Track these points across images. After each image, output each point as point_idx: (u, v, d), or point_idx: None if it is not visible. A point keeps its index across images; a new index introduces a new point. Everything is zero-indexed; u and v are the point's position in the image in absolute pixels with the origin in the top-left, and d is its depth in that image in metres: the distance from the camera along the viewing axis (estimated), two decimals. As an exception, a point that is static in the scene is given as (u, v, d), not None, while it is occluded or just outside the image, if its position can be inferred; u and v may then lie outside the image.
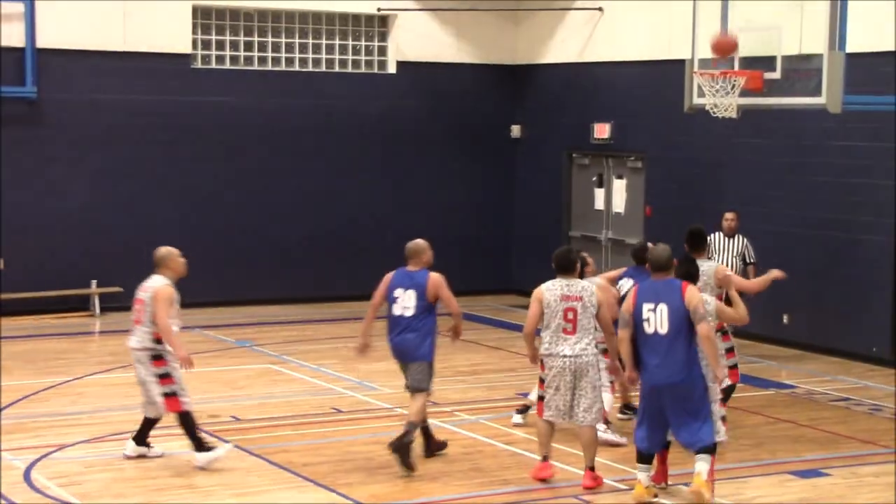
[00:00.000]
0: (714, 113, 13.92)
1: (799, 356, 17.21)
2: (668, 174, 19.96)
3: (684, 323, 10.18)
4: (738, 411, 13.82)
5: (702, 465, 10.15)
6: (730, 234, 16.25)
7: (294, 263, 21.43)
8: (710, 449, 10.23)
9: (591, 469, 10.87)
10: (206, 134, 20.80)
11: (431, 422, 12.10)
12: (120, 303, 19.37)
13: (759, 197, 18.25)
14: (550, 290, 10.89)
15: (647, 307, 10.28)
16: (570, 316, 10.73)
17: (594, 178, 21.65)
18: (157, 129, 20.43)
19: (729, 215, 16.38)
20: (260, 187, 21.25)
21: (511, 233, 22.76)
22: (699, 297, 10.32)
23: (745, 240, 16.29)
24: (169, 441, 11.88)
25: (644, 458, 10.43)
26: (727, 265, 15.07)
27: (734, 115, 13.83)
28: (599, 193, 21.53)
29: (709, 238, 14.03)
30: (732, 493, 10.77)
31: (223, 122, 20.88)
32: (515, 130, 22.83)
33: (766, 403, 14.43)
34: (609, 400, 12.34)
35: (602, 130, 21.15)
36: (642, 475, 10.39)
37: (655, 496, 10.40)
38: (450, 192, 22.48)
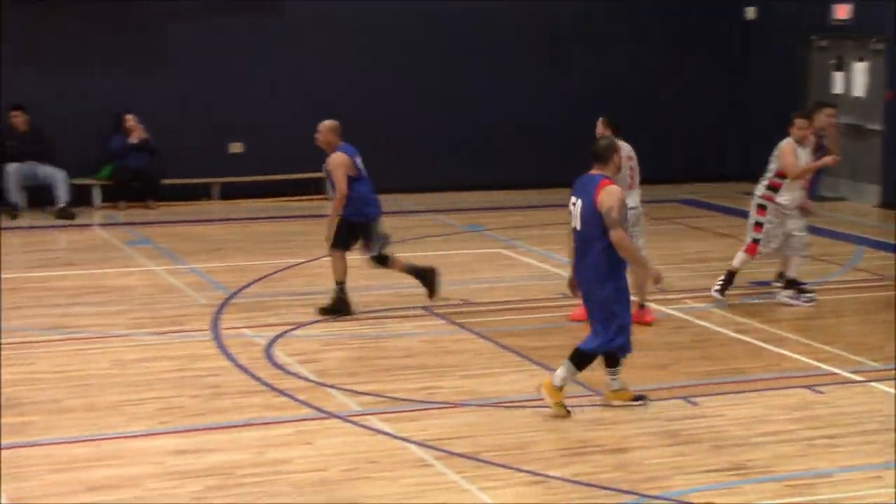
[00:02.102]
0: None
1: None
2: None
3: (597, 223, 9.33)
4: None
5: (559, 371, 9.65)
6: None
7: (522, 149, 21.42)
8: (577, 356, 9.61)
9: None
10: (445, 28, 20.88)
11: (660, 308, 12.03)
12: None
13: None
14: None
15: (571, 200, 9.65)
16: None
17: (833, 62, 20.92)
18: (397, 28, 20.63)
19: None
20: (497, 75, 21.27)
21: (746, 119, 22.21)
22: (612, 199, 9.27)
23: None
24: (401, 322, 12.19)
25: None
26: None
27: None
28: (838, 77, 20.80)
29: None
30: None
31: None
32: (750, 12, 22.16)
33: None
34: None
35: (842, 11, 20.37)
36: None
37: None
38: (680, 79, 22.08)
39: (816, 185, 14.97)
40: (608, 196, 9.31)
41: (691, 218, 19.10)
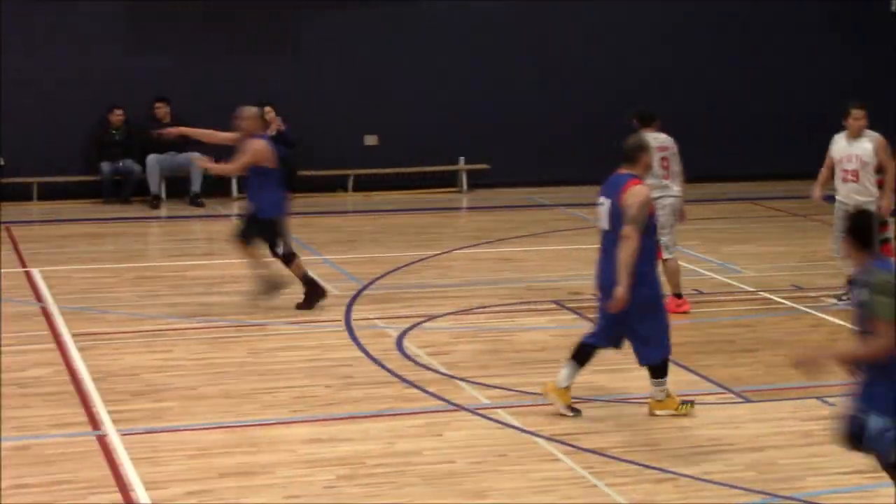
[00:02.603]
0: None
1: None
2: None
3: (623, 224, 9.07)
4: None
5: (563, 371, 9.47)
6: None
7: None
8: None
9: None
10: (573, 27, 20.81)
11: (797, 306, 11.83)
12: (488, 179, 19.93)
13: None
14: None
15: (599, 200, 9.36)
16: None
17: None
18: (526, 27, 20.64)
19: None
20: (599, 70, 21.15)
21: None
22: (635, 199, 9.06)
23: None
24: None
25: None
26: None
27: None
28: None
29: None
30: None
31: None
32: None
33: None
34: None
35: None
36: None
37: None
38: (827, 68, 21.65)
39: None
40: (632, 196, 9.10)
41: (831, 214, 18.69)
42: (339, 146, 19.96)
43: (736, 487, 8.12)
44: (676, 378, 10.43)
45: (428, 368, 10.71)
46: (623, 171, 9.36)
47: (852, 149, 12.72)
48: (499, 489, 8.11)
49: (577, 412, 9.46)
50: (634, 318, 9.19)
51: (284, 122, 19.14)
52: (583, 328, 11.98)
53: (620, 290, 9.00)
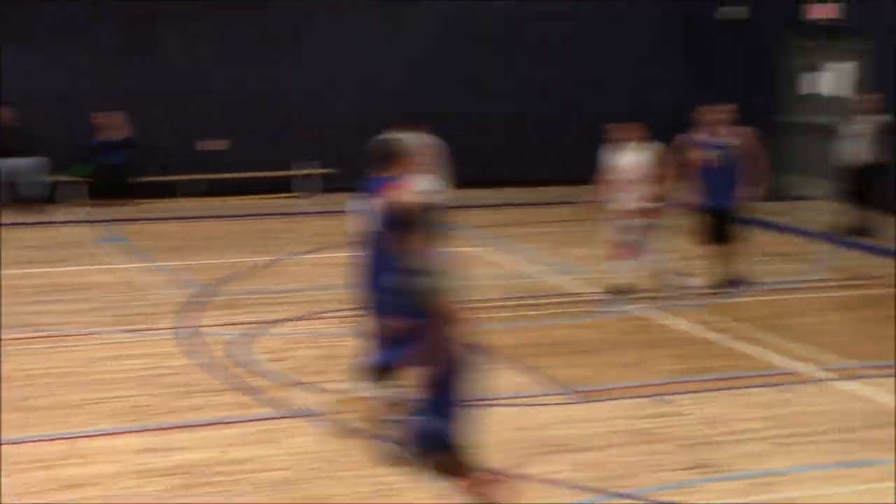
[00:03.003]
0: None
1: None
2: (882, 58, 19.16)
3: (386, 225, 8.69)
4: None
5: (361, 383, 9.17)
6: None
7: (501, 147, 21.43)
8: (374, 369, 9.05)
9: None
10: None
11: (630, 307, 12.00)
12: (329, 184, 19.88)
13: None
14: None
15: (358, 204, 9.10)
16: None
17: (806, 63, 20.94)
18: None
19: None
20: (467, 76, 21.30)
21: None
22: (403, 201, 8.55)
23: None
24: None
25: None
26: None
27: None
28: (811, 78, 20.82)
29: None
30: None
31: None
32: (726, 13, 22.17)
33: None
34: None
35: (821, 11, 20.38)
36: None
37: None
38: (656, 76, 22.11)
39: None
40: (396, 197, 8.65)
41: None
42: (177, 152, 19.76)
43: (572, 487, 8.18)
44: (513, 380, 10.53)
45: (265, 375, 10.59)
46: (379, 173, 8.98)
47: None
48: (334, 495, 8.06)
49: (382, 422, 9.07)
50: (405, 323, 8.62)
51: (127, 128, 18.83)
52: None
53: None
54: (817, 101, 20.71)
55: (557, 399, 10.07)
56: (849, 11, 19.95)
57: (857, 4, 19.78)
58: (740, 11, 22.05)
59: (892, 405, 9.85)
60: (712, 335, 12.06)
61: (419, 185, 9.06)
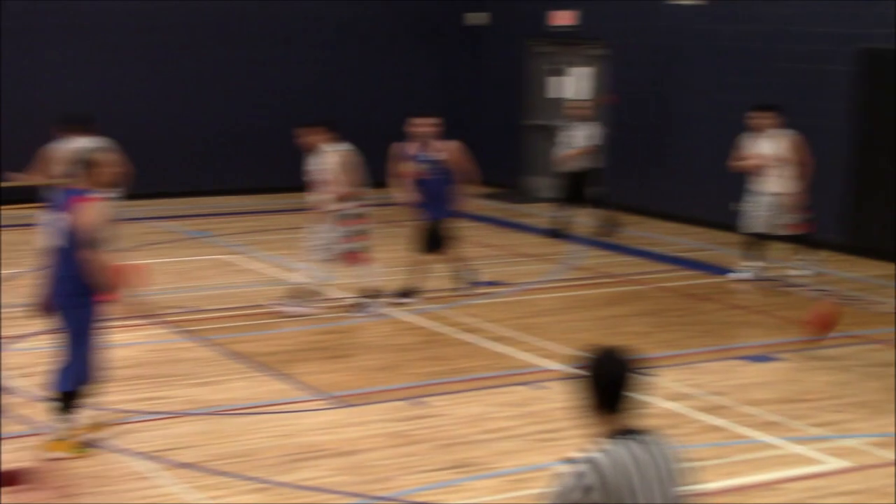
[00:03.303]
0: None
1: (752, 243, 17.26)
2: (631, 62, 19.87)
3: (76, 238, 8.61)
4: (692, 298, 13.98)
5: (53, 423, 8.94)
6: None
7: (249, 154, 21.32)
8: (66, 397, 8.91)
9: None
10: (150, 25, 20.55)
11: (386, 310, 12.13)
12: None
13: (713, 83, 18.26)
14: None
15: (46, 216, 8.94)
16: None
17: (551, 67, 21.54)
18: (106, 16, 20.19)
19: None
20: (219, 79, 21.06)
21: (471, 123, 22.62)
22: (92, 216, 8.55)
23: None
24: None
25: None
26: None
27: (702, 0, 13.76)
28: (555, 82, 21.42)
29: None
30: (685, 378, 10.89)
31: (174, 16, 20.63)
32: (473, 18, 22.62)
33: (718, 290, 14.56)
34: None
35: (561, 17, 21.00)
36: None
37: None
38: (407, 84, 22.35)
39: None
40: (86, 212, 8.55)
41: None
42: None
43: (331, 492, 8.23)
44: (271, 387, 10.51)
45: (15, 392, 10.28)
46: (75, 185, 8.76)
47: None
48: (92, 511, 7.90)
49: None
50: (69, 338, 8.78)
51: None
52: (177, 342, 11.92)
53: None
54: (561, 104, 21.30)
55: (313, 405, 10.10)
56: (585, 18, 20.60)
57: (593, 12, 20.45)
58: (482, 17, 22.53)
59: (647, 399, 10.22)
60: (466, 336, 12.29)
61: (103, 198, 8.79)
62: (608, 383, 4.48)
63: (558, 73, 21.42)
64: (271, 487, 8.30)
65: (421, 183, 13.67)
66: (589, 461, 4.32)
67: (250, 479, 8.43)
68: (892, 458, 8.92)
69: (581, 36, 20.81)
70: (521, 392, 10.45)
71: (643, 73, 19.56)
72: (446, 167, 13.66)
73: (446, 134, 13.85)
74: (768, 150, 14.65)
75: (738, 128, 16.05)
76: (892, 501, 8.11)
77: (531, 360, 11.44)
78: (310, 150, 13.11)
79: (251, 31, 21.25)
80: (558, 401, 10.19)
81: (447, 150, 13.71)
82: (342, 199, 12.94)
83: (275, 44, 21.42)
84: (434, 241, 13.78)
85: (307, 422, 9.68)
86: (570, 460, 4.37)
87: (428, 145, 13.67)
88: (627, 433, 4.41)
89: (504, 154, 21.98)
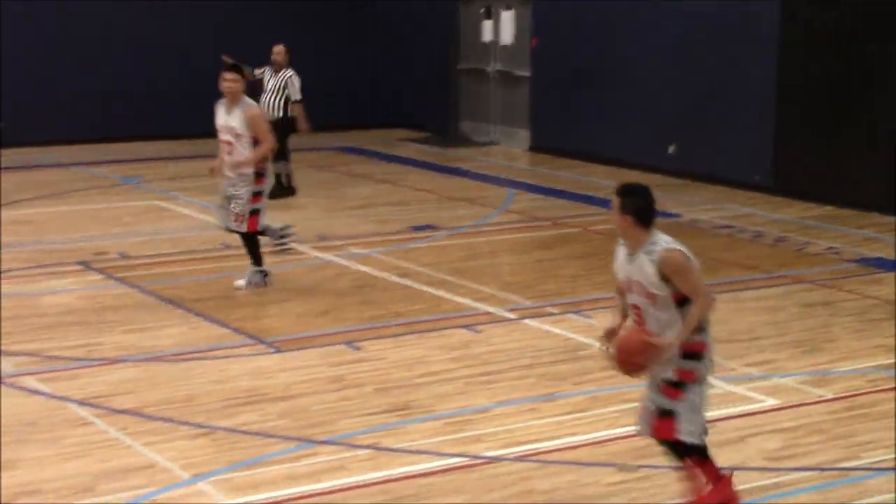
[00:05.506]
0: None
1: (683, 185, 17.42)
2: (556, 5, 19.84)
3: None
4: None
5: None
6: (278, 70, 16.08)
7: (179, 99, 21.09)
8: None
9: None
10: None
11: (322, 255, 12.06)
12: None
13: (646, 26, 18.28)
14: None
15: None
16: None
17: (482, 10, 21.47)
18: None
19: (276, 48, 16.15)
20: (149, 25, 20.82)
21: (404, 67, 22.52)
22: None
23: (291, 75, 16.07)
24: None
25: None
26: (268, 104, 15.78)
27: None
28: (487, 25, 21.35)
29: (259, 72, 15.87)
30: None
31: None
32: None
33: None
34: None
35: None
36: None
37: None
38: (333, 31, 22.21)
39: None
40: None
41: (351, 165, 19.29)
42: None
43: (271, 436, 8.22)
44: (207, 333, 10.47)
45: (-55, 340, 10.17)
46: None
47: (230, 119, 11.70)
48: (29, 458, 7.83)
49: None
50: None
51: None
52: (109, 289, 11.83)
53: None
54: (495, 49, 21.27)
55: (250, 350, 10.07)
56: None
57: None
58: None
59: (576, 341, 10.31)
60: (402, 280, 12.29)
61: None
62: (651, 204, 6.44)
63: (488, 16, 21.33)
64: (212, 432, 8.28)
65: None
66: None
67: (190, 424, 8.40)
68: (825, 395, 9.08)
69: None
70: (458, 335, 10.49)
71: (574, 14, 19.52)
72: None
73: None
74: None
75: (669, 68, 16.15)
76: (825, 438, 8.26)
77: (467, 304, 11.48)
78: (232, 100, 11.66)
79: None
80: (495, 343, 10.25)
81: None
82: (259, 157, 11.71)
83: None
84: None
85: (245, 367, 9.66)
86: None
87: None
88: None
89: (437, 99, 21.92)
